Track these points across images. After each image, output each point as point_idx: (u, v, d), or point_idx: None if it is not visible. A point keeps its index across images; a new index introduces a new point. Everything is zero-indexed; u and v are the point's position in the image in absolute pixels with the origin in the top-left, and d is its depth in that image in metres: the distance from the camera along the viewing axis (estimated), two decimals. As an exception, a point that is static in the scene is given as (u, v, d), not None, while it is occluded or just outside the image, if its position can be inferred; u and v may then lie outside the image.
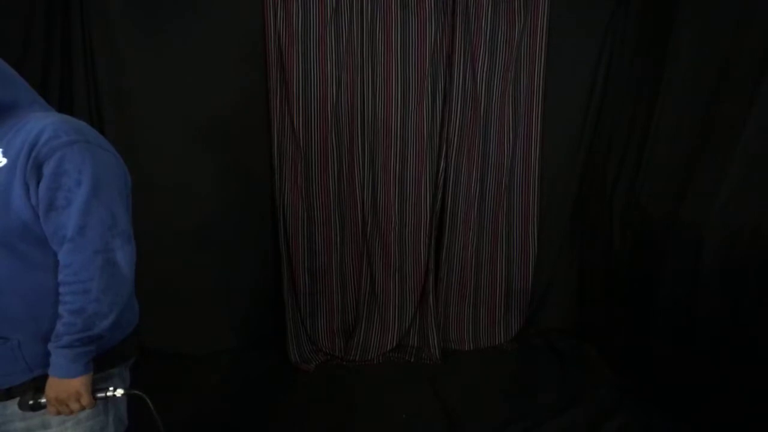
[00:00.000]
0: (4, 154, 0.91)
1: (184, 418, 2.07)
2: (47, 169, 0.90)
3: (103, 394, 1.02)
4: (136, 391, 1.06)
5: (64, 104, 2.23)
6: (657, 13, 2.34)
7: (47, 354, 0.96)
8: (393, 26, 2.38)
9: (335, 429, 2.09)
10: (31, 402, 0.97)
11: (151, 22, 2.26)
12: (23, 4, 2.08)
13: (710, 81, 2.03)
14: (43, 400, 0.97)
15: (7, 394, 0.98)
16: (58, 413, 0.98)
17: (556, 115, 2.65)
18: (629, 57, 2.51)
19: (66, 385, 0.95)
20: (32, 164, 0.89)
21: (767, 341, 1.78)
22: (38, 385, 0.98)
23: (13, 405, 0.99)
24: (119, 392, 1.03)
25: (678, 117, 2.20)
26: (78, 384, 0.96)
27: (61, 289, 0.95)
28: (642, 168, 2.37)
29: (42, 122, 0.92)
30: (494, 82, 2.52)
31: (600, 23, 2.54)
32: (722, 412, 1.89)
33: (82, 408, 0.99)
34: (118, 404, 1.11)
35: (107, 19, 2.22)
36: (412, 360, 2.63)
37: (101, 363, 1.02)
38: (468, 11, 2.41)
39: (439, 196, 2.61)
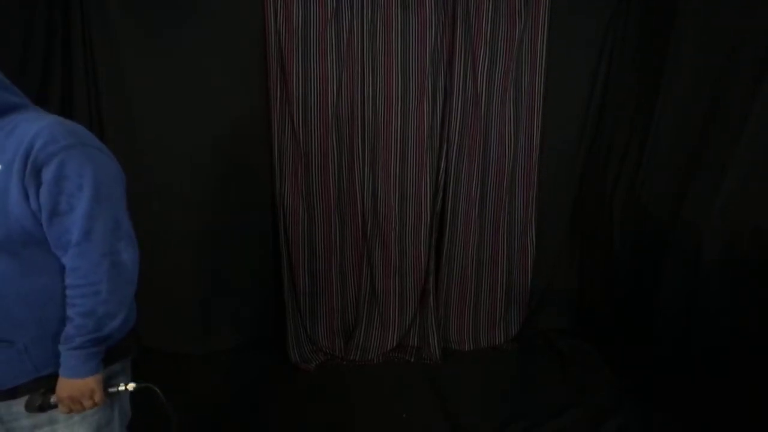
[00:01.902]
0: None
1: (183, 418, 2.07)
2: (47, 175, 0.89)
3: (114, 389, 1.04)
4: (148, 384, 1.08)
5: (65, 105, 2.23)
6: (658, 11, 2.34)
7: (54, 354, 0.97)
8: (393, 26, 2.38)
9: (335, 429, 2.09)
10: (39, 403, 0.98)
11: (151, 22, 2.26)
12: (23, 5, 2.08)
13: (711, 80, 2.03)
14: (53, 401, 0.98)
15: (12, 394, 0.99)
16: (70, 411, 1.00)
17: (557, 114, 2.64)
18: (630, 56, 2.51)
19: (80, 384, 0.97)
20: (30, 170, 0.88)
21: (767, 341, 1.78)
22: (44, 388, 0.99)
23: (18, 404, 1.00)
24: (131, 386, 1.07)
25: (678, 116, 2.20)
26: (92, 382, 0.98)
27: (70, 293, 0.95)
28: (642, 168, 2.37)
29: (35, 125, 0.91)
30: (495, 81, 2.52)
31: (601, 22, 2.54)
32: (722, 412, 1.89)
33: (95, 405, 1.01)
34: (122, 398, 1.13)
35: (107, 19, 2.22)
36: (412, 360, 2.63)
37: (107, 359, 1.03)
38: (468, 11, 2.41)
39: (440, 196, 2.61)
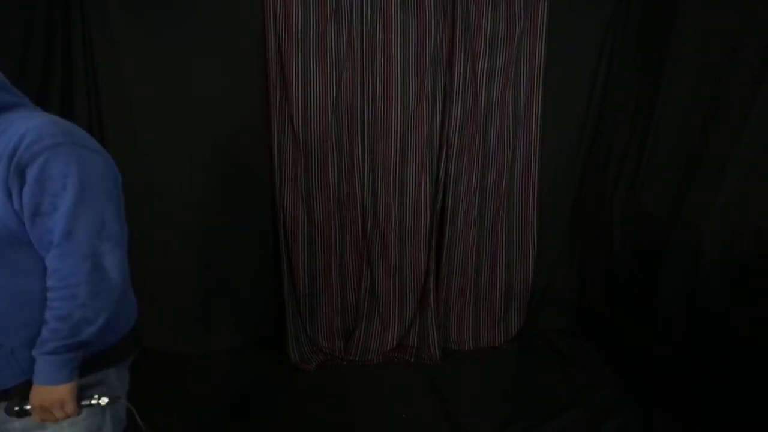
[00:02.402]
0: None
1: (183, 419, 2.08)
2: (30, 175, 0.86)
3: (87, 402, 0.99)
4: (122, 400, 1.05)
5: (65, 105, 2.22)
6: (658, 11, 2.34)
7: None
8: (393, 26, 2.38)
9: (335, 429, 2.10)
10: (17, 408, 0.95)
11: (151, 22, 2.26)
12: (23, 5, 2.08)
13: (711, 80, 2.03)
14: (28, 407, 0.95)
15: (3, 396, 0.97)
16: (43, 421, 0.96)
17: (557, 114, 2.64)
18: (630, 55, 2.50)
19: (50, 392, 0.93)
20: (14, 169, 0.85)
21: (767, 341, 1.78)
22: (26, 392, 0.96)
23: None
24: (104, 401, 1.00)
25: (678, 116, 2.20)
26: (63, 392, 0.94)
27: (49, 295, 0.92)
28: (642, 168, 2.37)
29: (26, 124, 0.89)
30: (494, 81, 2.52)
31: (601, 22, 2.54)
32: (722, 412, 1.89)
33: (66, 416, 0.96)
34: (118, 403, 1.10)
35: (107, 19, 2.22)
36: (412, 360, 2.63)
37: (99, 363, 1.02)
38: (468, 11, 2.41)
39: (440, 196, 2.61)
